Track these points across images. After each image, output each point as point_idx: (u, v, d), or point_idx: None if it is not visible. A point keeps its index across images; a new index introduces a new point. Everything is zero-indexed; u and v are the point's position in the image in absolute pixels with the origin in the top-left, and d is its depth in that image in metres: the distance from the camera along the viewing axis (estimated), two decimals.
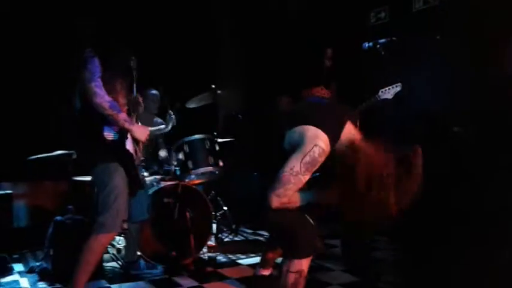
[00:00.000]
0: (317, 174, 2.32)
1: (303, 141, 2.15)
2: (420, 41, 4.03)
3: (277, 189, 2.15)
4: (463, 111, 3.83)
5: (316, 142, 2.12)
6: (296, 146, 2.18)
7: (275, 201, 2.15)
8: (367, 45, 3.22)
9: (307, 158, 2.11)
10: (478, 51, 3.74)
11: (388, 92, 3.16)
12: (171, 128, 4.03)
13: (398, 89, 3.25)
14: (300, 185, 2.16)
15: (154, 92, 4.42)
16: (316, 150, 2.11)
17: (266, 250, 2.96)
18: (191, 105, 4.29)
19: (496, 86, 3.64)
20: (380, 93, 3.22)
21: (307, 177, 2.15)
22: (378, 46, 3.15)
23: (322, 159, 2.13)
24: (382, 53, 3.15)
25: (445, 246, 3.42)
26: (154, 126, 4.29)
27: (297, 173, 2.12)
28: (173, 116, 3.94)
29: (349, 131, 2.28)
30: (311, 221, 2.28)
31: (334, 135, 2.20)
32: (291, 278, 2.24)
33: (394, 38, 3.10)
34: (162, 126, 4.11)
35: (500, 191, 3.28)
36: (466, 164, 3.58)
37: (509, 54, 3.61)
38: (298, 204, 2.21)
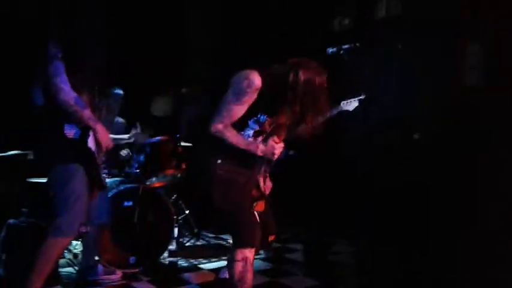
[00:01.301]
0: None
1: (236, 78, 2.39)
2: (382, 48, 4.13)
3: (214, 117, 2.36)
4: (423, 119, 3.95)
5: (247, 77, 2.34)
6: None
7: (211, 126, 2.35)
8: (330, 50, 3.24)
9: (236, 90, 2.35)
10: (435, 60, 3.85)
11: (349, 104, 3.22)
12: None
13: (360, 98, 3.30)
14: (233, 114, 2.34)
15: (118, 91, 4.29)
16: (245, 82, 2.33)
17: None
18: (158, 112, 4.22)
19: (454, 95, 3.77)
20: (342, 104, 3.27)
21: (240, 107, 2.34)
22: (342, 51, 3.18)
23: (250, 90, 2.33)
24: (346, 58, 3.19)
25: (401, 248, 3.51)
26: (115, 126, 4.19)
27: (227, 103, 2.35)
28: (138, 128, 3.88)
29: None
30: (256, 216, 2.46)
31: (269, 73, 2.40)
32: (238, 266, 2.37)
33: (357, 44, 3.15)
34: (125, 136, 4.00)
35: (454, 197, 3.41)
36: (424, 170, 3.70)
37: (465, 63, 3.74)
38: (232, 139, 2.34)
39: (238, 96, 2.33)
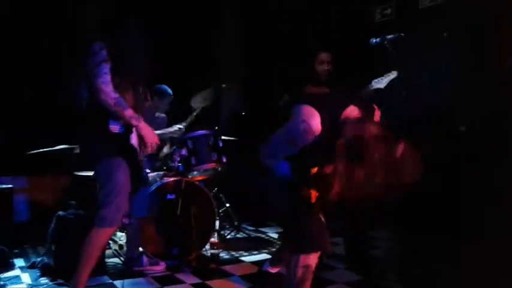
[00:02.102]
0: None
1: (294, 115, 2.23)
2: (426, 38, 4.01)
3: (263, 148, 2.29)
4: (469, 110, 3.81)
5: (304, 118, 2.18)
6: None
7: (260, 154, 2.28)
8: (374, 41, 3.18)
9: (292, 131, 2.22)
10: (483, 49, 3.71)
11: (381, 82, 3.13)
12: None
13: (393, 76, 3.21)
14: (281, 153, 2.25)
15: (168, 91, 4.25)
16: (302, 125, 2.17)
17: (279, 249, 2.95)
18: (195, 104, 4.24)
19: (501, 85, 3.62)
20: (373, 82, 3.19)
21: (290, 148, 2.23)
22: (386, 42, 3.11)
23: (307, 136, 2.18)
24: (390, 49, 3.11)
25: (445, 242, 3.41)
26: (156, 121, 4.25)
27: (280, 141, 2.25)
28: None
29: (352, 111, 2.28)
30: (322, 219, 2.33)
31: (329, 116, 2.23)
32: (299, 272, 2.29)
33: (402, 34, 3.06)
34: (171, 129, 4.04)
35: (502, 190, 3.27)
36: (471, 163, 3.57)
37: None
38: (280, 173, 2.26)
39: (292, 138, 2.22)
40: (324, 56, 3.59)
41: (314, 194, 2.47)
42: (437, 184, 3.63)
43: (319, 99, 2.28)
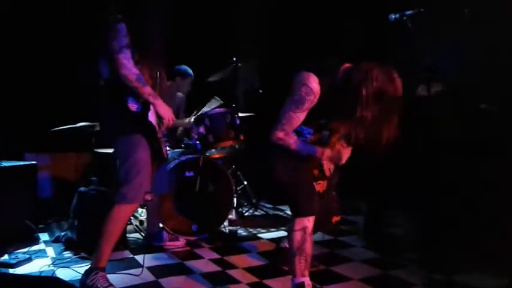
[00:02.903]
0: (326, 133, 2.51)
1: (295, 83, 2.33)
2: (447, 14, 3.91)
3: (275, 124, 2.36)
4: (491, 88, 3.73)
5: (305, 82, 2.28)
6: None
7: (272, 134, 2.35)
8: (393, 16, 3.11)
9: (295, 97, 2.31)
10: (507, 27, 3.60)
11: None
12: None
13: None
14: (293, 121, 2.33)
15: (189, 72, 4.36)
16: (303, 89, 2.28)
17: None
18: (212, 79, 4.26)
19: None
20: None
21: (299, 114, 2.32)
22: (405, 18, 3.04)
23: (310, 97, 2.28)
24: (409, 25, 3.05)
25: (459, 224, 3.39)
26: (176, 101, 4.29)
27: (287, 110, 2.32)
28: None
29: None
30: (315, 188, 2.49)
31: (328, 76, 2.32)
32: (297, 235, 2.40)
33: (421, 10, 2.99)
34: (186, 121, 4.10)
35: None
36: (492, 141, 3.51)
37: None
38: (297, 147, 2.36)
39: (297, 103, 2.30)
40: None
41: (327, 165, 2.55)
42: (458, 164, 3.60)
43: (319, 69, 2.34)
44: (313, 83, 2.28)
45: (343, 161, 2.45)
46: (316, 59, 2.74)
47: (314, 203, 2.44)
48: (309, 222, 2.41)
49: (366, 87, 2.12)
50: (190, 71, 4.34)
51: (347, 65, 2.35)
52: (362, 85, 2.12)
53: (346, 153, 2.46)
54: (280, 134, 2.34)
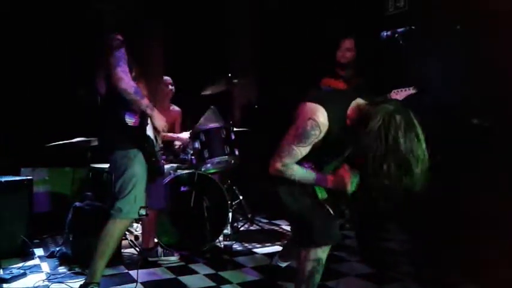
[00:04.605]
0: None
1: (300, 114, 2.17)
2: (439, 30, 3.97)
3: (274, 155, 2.20)
4: (483, 103, 3.77)
5: (311, 116, 2.12)
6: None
7: (271, 165, 2.20)
8: (385, 34, 3.17)
9: (300, 130, 2.13)
10: (498, 42, 3.66)
11: (400, 93, 3.12)
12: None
13: (411, 92, 3.20)
14: (294, 155, 2.16)
15: (166, 77, 4.38)
16: (309, 123, 2.11)
17: (288, 243, 2.96)
18: (206, 92, 4.29)
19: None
20: (392, 93, 3.19)
21: (302, 148, 2.15)
22: (397, 35, 3.10)
23: (316, 132, 2.12)
24: (401, 42, 3.10)
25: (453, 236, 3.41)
26: (171, 115, 4.32)
27: (290, 143, 2.16)
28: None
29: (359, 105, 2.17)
30: (330, 211, 2.28)
31: (336, 111, 2.16)
32: (309, 265, 2.28)
33: (413, 27, 3.06)
34: (180, 139, 4.14)
35: None
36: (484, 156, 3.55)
37: None
38: (296, 177, 2.19)
39: (301, 137, 2.13)
40: (347, 42, 3.60)
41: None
42: (450, 179, 3.63)
43: (326, 95, 2.28)
44: (321, 117, 2.11)
45: (349, 186, 2.15)
46: (315, 79, 2.74)
47: (332, 232, 2.27)
48: (323, 253, 2.28)
49: (391, 135, 1.91)
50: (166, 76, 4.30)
51: (360, 101, 2.16)
52: (388, 134, 1.91)
53: (352, 178, 2.16)
54: (278, 166, 2.18)
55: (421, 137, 1.97)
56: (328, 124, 2.12)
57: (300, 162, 2.21)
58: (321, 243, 2.27)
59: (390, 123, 1.92)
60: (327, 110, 2.11)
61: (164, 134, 2.86)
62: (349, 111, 2.15)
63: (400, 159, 1.92)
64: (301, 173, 2.20)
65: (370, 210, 3.30)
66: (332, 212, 2.29)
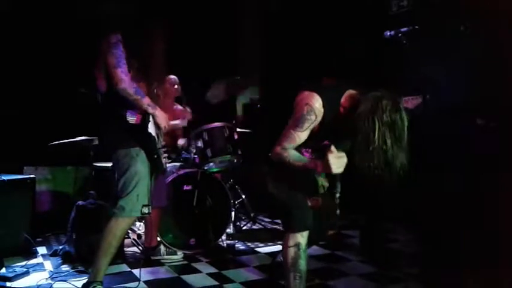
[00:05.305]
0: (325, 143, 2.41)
1: (297, 102, 2.31)
2: (443, 30, 3.96)
3: (277, 141, 2.31)
4: (487, 104, 3.76)
5: (307, 101, 2.26)
6: None
7: (272, 150, 2.32)
8: (388, 33, 3.16)
9: (297, 115, 2.27)
10: (502, 42, 3.65)
11: (410, 101, 3.13)
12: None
13: (419, 101, 3.21)
14: (292, 139, 2.27)
15: (173, 77, 4.39)
16: (305, 108, 2.25)
17: None
18: (213, 99, 4.28)
19: None
20: (403, 100, 3.18)
21: (299, 133, 2.26)
22: (400, 35, 3.09)
23: (312, 117, 2.25)
24: (404, 42, 3.09)
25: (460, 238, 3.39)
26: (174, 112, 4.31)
27: (288, 128, 2.28)
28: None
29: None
30: (307, 202, 2.43)
31: (330, 99, 2.28)
32: (290, 252, 2.36)
33: (416, 27, 3.04)
34: (178, 122, 4.12)
35: None
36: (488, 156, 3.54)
37: None
38: (292, 160, 2.28)
39: (298, 122, 2.25)
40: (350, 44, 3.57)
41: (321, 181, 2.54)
42: (457, 180, 3.62)
43: (321, 86, 2.35)
44: (316, 103, 2.24)
45: (334, 169, 2.12)
46: (318, 79, 2.75)
47: (307, 218, 2.40)
48: (303, 237, 2.37)
49: (378, 118, 2.05)
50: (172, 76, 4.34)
51: (352, 91, 2.30)
52: (375, 116, 2.05)
53: (337, 160, 2.13)
54: (279, 150, 2.28)
55: (405, 120, 2.11)
56: (323, 111, 2.25)
57: (299, 150, 2.34)
58: (300, 229, 2.37)
59: (378, 106, 2.07)
60: (322, 98, 2.25)
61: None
62: (342, 100, 2.29)
63: (384, 137, 2.06)
64: (296, 157, 2.30)
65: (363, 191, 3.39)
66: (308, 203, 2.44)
